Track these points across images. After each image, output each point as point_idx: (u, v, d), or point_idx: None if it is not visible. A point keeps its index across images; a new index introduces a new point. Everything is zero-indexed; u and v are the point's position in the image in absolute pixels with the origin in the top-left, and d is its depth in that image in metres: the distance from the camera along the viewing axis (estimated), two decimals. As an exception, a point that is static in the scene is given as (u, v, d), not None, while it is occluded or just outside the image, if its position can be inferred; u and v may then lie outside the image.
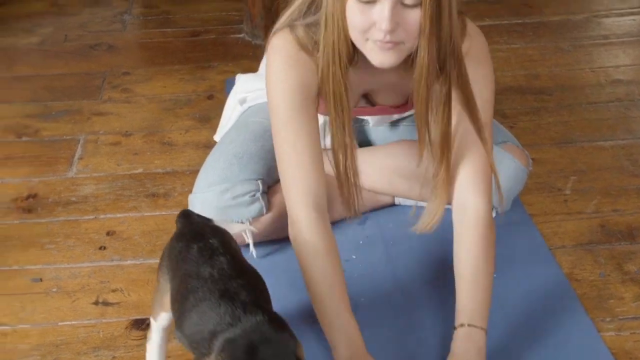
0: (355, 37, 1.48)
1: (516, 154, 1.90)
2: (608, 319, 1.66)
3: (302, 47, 1.55)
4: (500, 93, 2.49)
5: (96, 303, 1.72)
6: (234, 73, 2.56)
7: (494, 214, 1.83)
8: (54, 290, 1.76)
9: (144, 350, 1.45)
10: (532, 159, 2.15)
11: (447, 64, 1.49)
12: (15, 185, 2.10)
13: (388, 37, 1.43)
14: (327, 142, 1.71)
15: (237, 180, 1.78)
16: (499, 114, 2.38)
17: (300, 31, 1.55)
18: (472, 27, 1.64)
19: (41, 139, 2.30)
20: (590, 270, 1.79)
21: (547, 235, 1.90)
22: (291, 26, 1.56)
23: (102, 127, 2.35)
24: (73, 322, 1.67)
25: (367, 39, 1.46)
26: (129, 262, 1.83)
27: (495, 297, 1.55)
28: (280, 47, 1.57)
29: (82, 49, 2.81)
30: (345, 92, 1.52)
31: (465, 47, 1.56)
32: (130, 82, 2.59)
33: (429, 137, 1.55)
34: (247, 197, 1.77)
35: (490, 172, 1.61)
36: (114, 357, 1.58)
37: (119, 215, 1.98)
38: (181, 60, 2.72)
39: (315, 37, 1.53)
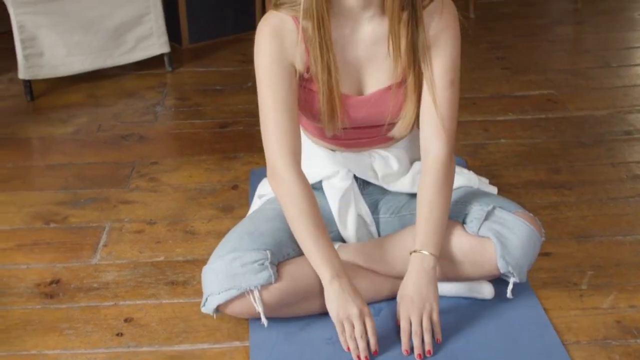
0: None
1: (529, 221, 1.92)
2: (621, 418, 1.64)
3: (284, 7, 1.81)
4: (521, 187, 2.52)
5: (110, 389, 1.74)
6: (259, 164, 2.65)
7: (509, 287, 1.93)
8: (70, 375, 1.79)
9: None
10: (549, 253, 2.18)
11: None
12: (40, 271, 2.16)
13: None
14: (347, 232, 2.00)
15: (246, 250, 1.83)
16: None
17: (285, 6, 1.82)
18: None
19: (68, 226, 2.36)
20: (605, 368, 1.78)
21: (561, 330, 1.89)
22: (276, 5, 1.83)
23: (127, 215, 2.41)
24: (85, 408, 1.70)
25: None
26: (144, 349, 1.86)
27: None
28: (265, 21, 1.84)
29: (114, 138, 2.90)
30: (327, 18, 1.77)
31: (439, 9, 1.85)
32: (158, 171, 2.67)
33: (399, 49, 1.83)
34: (255, 265, 1.81)
35: (455, 121, 1.91)
36: None
37: (138, 302, 2.02)
38: (208, 150, 2.79)
39: (295, 4, 1.79)
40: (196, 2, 3.65)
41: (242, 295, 1.82)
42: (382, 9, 1.82)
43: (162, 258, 2.20)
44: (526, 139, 2.84)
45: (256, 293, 1.81)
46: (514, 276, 1.89)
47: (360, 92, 1.92)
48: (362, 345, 1.75)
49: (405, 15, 1.80)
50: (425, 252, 1.82)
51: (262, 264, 1.82)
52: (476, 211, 1.91)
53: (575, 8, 4.19)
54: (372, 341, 1.77)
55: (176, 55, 3.64)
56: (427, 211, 1.85)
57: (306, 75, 1.85)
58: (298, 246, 1.87)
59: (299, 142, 1.87)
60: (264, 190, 2.13)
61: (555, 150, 2.76)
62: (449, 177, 1.89)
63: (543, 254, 2.15)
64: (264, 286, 1.82)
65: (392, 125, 1.94)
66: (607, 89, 3.23)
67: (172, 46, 3.64)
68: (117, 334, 1.91)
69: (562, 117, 3.00)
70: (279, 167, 1.84)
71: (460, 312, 1.94)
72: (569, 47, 3.72)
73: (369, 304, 1.87)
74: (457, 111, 1.91)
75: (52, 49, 3.18)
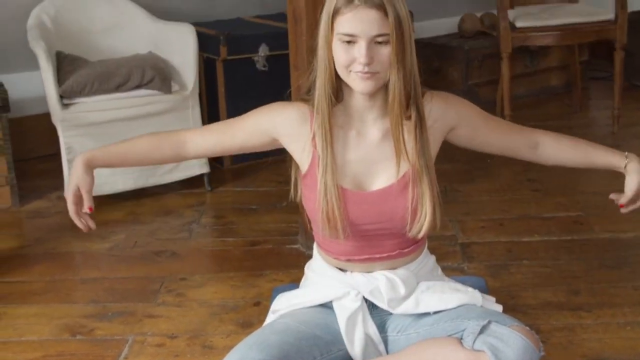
0: (341, 71, 1.83)
1: (525, 334, 1.93)
2: None
3: (298, 100, 1.95)
4: (538, 308, 2.54)
5: None
6: (283, 282, 2.72)
7: None
8: None
9: None
10: (560, 375, 2.18)
11: (412, 93, 1.86)
12: (61, 382, 2.25)
13: (366, 69, 1.80)
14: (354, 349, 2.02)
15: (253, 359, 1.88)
16: (534, 328, 2.41)
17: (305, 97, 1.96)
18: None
19: (93, 338, 2.46)
20: None
21: None
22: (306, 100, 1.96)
23: (151, 329, 2.50)
24: None
25: (350, 72, 1.82)
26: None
27: None
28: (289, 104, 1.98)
29: (148, 255, 3.02)
30: (329, 119, 1.88)
31: (444, 95, 1.94)
32: (186, 287, 2.76)
33: (405, 148, 1.89)
34: None
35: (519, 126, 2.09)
36: None
37: (149, 414, 2.09)
38: (236, 267, 2.89)
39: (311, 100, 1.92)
40: (237, 124, 3.82)
41: None
42: (386, 111, 1.92)
43: (178, 372, 2.27)
44: (549, 260, 2.86)
45: None
46: None
47: (365, 190, 1.99)
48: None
49: (411, 115, 1.90)
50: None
51: None
52: (472, 326, 1.94)
53: (611, 131, 4.24)
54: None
55: (218, 175, 3.79)
56: (582, 144, 2.14)
57: (307, 165, 1.94)
58: None
59: (203, 150, 2.00)
60: (277, 306, 2.19)
61: (577, 272, 2.77)
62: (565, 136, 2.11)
63: (552, 375, 2.16)
64: None
65: (412, 224, 1.99)
66: (636, 212, 3.23)
67: (214, 166, 3.82)
68: None
69: (587, 239, 3.02)
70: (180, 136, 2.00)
71: None
72: (602, 170, 3.75)
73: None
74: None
75: (96, 169, 3.35)
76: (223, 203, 3.51)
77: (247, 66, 3.81)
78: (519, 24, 4.04)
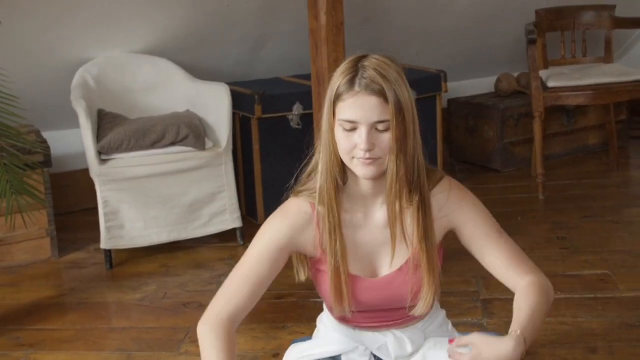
0: (344, 157, 1.84)
1: None
2: None
3: (302, 193, 1.92)
4: (553, 365, 2.55)
5: None
6: (304, 334, 2.78)
7: None
8: None
9: None
10: None
11: (415, 177, 1.87)
12: None
13: (367, 155, 1.81)
14: None
15: None
16: (547, 385, 2.43)
17: (304, 193, 1.93)
18: (455, 181, 1.99)
19: (116, 386, 2.55)
20: None
21: None
22: (296, 192, 1.95)
23: (171, 378, 2.58)
24: None
25: (352, 158, 1.83)
26: None
27: None
28: (284, 205, 1.95)
29: (176, 306, 3.11)
30: (336, 204, 1.89)
31: (448, 188, 1.94)
32: (209, 337, 2.84)
33: (404, 234, 1.90)
34: None
35: (523, 253, 2.01)
36: None
37: None
38: (260, 320, 2.96)
39: (313, 191, 1.91)
40: (271, 182, 3.92)
41: None
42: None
43: (193, 419, 2.34)
44: (570, 318, 2.87)
45: None
46: None
47: (373, 275, 2.01)
48: None
49: (415, 200, 1.90)
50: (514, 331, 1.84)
51: None
52: None
53: (647, 190, 4.25)
54: None
55: (252, 230, 3.87)
56: (523, 303, 1.91)
57: (317, 256, 2.00)
58: None
59: (242, 314, 1.92)
60: (289, 357, 2.25)
61: (597, 330, 2.77)
62: (545, 290, 1.92)
63: None
64: None
65: (412, 306, 2.04)
66: (664, 271, 3.24)
67: (248, 221, 3.92)
68: None
69: (611, 297, 3.02)
70: (212, 318, 1.91)
71: None
72: (634, 229, 3.75)
73: None
74: (521, 251, 2.01)
75: (131, 222, 3.49)
76: (254, 257, 3.59)
77: (282, 124, 3.93)
78: (550, 84, 4.09)
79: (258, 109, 3.83)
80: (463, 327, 2.78)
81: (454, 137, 4.89)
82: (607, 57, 4.48)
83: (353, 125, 1.80)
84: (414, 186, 1.89)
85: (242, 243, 3.71)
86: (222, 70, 4.25)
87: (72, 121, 3.49)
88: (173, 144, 3.50)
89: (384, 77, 1.79)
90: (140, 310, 3.10)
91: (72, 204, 4.07)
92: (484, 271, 3.26)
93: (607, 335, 2.73)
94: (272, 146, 3.93)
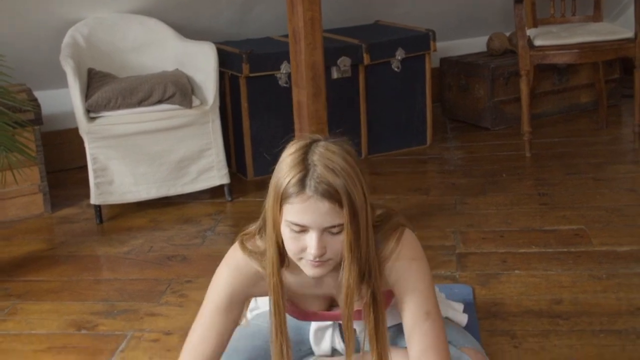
0: (292, 256, 1.77)
1: (473, 357, 2.03)
2: None
3: (251, 255, 1.86)
4: (518, 315, 2.63)
5: None
6: (281, 285, 2.87)
7: None
8: None
9: None
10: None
11: (368, 272, 1.78)
12: (59, 370, 2.44)
13: (317, 259, 1.73)
14: (322, 348, 2.11)
15: None
16: (509, 334, 2.51)
17: (251, 245, 1.87)
18: (408, 234, 1.88)
19: (96, 333, 2.65)
20: None
21: None
22: (246, 240, 1.88)
23: (149, 326, 2.68)
24: None
25: (300, 258, 1.76)
26: None
27: None
28: (232, 255, 1.90)
29: (160, 259, 3.21)
30: (281, 292, 1.82)
31: (397, 251, 1.83)
32: (190, 289, 2.94)
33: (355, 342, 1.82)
34: None
35: (441, 346, 1.82)
36: None
37: (133, 401, 2.26)
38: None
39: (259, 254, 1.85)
40: (260, 139, 4.00)
41: None
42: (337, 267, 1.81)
43: (167, 364, 2.45)
44: (540, 271, 2.94)
45: None
46: None
47: (329, 308, 2.02)
48: None
49: (367, 295, 1.81)
50: None
51: None
52: None
53: (633, 148, 4.28)
54: None
55: (241, 186, 3.97)
56: None
57: None
58: None
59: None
60: (255, 305, 2.32)
61: (565, 282, 2.85)
62: None
63: (516, 378, 2.26)
64: None
65: None
66: (637, 226, 3.30)
67: (238, 178, 4.01)
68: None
69: (583, 251, 3.08)
70: None
71: None
72: (615, 185, 3.80)
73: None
74: (442, 343, 1.85)
75: (120, 178, 3.58)
76: (241, 213, 3.68)
77: (270, 82, 3.99)
78: (537, 43, 4.13)
79: (246, 68, 3.89)
80: (437, 279, 2.88)
81: (446, 96, 4.93)
82: (596, 15, 4.49)
83: (302, 228, 1.70)
84: (364, 281, 1.80)
85: (229, 199, 3.79)
86: (213, 30, 4.30)
87: (64, 81, 3.56)
88: (160, 102, 3.57)
89: (334, 174, 1.68)
90: (125, 263, 3.21)
91: (64, 162, 4.16)
92: (463, 226, 3.38)
93: (574, 287, 2.81)
94: (261, 104, 4.00)
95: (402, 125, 4.39)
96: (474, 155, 4.34)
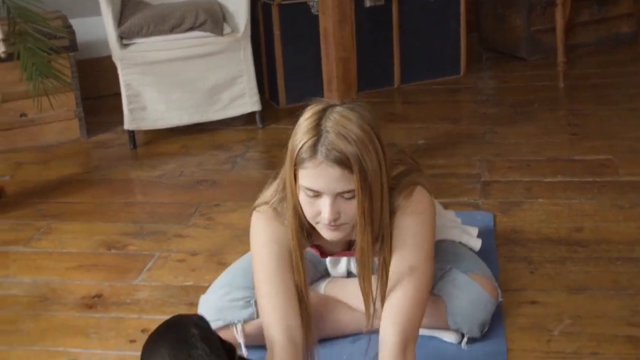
0: (309, 220, 1.83)
1: (482, 283, 2.08)
2: None
3: (279, 214, 1.90)
4: (536, 242, 2.65)
5: (108, 383, 2.07)
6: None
7: (463, 340, 2.10)
8: (81, 369, 2.14)
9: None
10: (535, 302, 2.31)
11: (380, 231, 1.83)
12: (89, 287, 2.54)
13: (332, 223, 1.78)
14: (337, 271, 2.18)
15: (236, 287, 2.11)
16: (526, 260, 2.54)
17: (277, 206, 1.91)
18: (419, 191, 1.91)
19: (125, 252, 2.75)
20: (539, 402, 1.91)
21: (515, 369, 2.04)
22: (268, 202, 1.93)
23: (176, 247, 2.76)
24: (82, 395, 2.03)
25: (317, 222, 1.82)
26: (149, 354, 2.18)
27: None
28: (262, 215, 1.93)
29: (190, 183, 3.29)
30: (301, 258, 1.86)
31: (402, 207, 1.86)
32: (217, 212, 3.02)
33: (373, 300, 1.86)
34: (242, 302, 2.08)
35: (415, 309, 1.83)
36: None
37: (157, 317, 2.34)
38: (267, 196, 3.11)
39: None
40: (292, 66, 4.03)
41: (227, 326, 2.08)
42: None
43: (190, 283, 2.53)
44: (563, 200, 2.95)
45: (239, 326, 2.09)
46: (465, 332, 2.08)
47: (349, 248, 2.04)
48: None
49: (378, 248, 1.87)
50: None
51: (248, 302, 2.09)
52: (436, 270, 2.08)
53: (671, 79, 4.22)
54: None
55: (272, 114, 4.02)
56: None
57: None
58: None
59: (296, 321, 1.85)
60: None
61: (588, 210, 2.86)
62: None
63: (529, 302, 2.30)
64: (247, 321, 2.06)
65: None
66: (665, 157, 3.28)
67: (270, 105, 4.05)
68: (131, 341, 2.24)
69: (609, 181, 3.08)
70: (275, 342, 1.83)
71: (422, 346, 2.12)
72: (646, 116, 3.77)
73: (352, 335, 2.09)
74: (420, 298, 1.85)
75: (153, 105, 3.65)
76: (271, 139, 3.74)
77: (302, 11, 4.00)
78: (574, -30, 4.06)
79: (278, -5, 3.90)
80: (459, 206, 2.92)
81: (482, 26, 4.88)
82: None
83: (316, 193, 1.75)
84: (377, 243, 1.85)
85: (260, 126, 3.85)
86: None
87: (98, 8, 3.61)
88: (191, 29, 3.61)
89: (346, 141, 1.70)
90: (156, 187, 3.29)
91: (99, 89, 4.24)
92: (490, 155, 3.39)
93: (596, 216, 2.82)
94: (293, 32, 4.01)
95: (435, 54, 4.38)
96: (508, 85, 4.32)
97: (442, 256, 2.14)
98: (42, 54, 3.24)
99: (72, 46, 3.66)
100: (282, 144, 1.93)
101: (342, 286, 2.20)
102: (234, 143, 3.70)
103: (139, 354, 2.08)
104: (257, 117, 3.85)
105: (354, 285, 2.16)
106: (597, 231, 2.71)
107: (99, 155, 3.66)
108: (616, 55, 4.68)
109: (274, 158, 3.49)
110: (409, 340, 1.80)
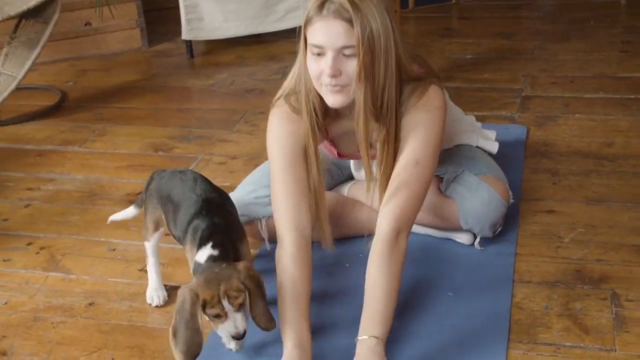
0: (315, 83, 1.90)
1: (493, 185, 2.16)
2: (526, 341, 1.87)
3: (294, 110, 1.99)
4: (565, 155, 2.70)
5: (141, 270, 2.25)
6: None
7: (476, 240, 2.20)
8: (119, 257, 2.33)
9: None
10: (553, 211, 2.38)
11: (383, 110, 1.89)
12: (134, 185, 2.73)
13: (334, 82, 1.85)
14: (360, 175, 2.26)
15: (262, 185, 2.25)
16: (551, 172, 2.60)
17: (293, 100, 2.00)
18: (434, 88, 1.97)
19: (171, 154, 2.92)
20: (538, 302, 2.00)
21: (521, 271, 2.13)
22: (285, 96, 2.02)
23: (219, 151, 2.92)
24: (117, 280, 2.22)
25: (321, 84, 1.88)
26: (180, 246, 2.35)
27: (438, 314, 1.96)
28: (277, 110, 2.03)
29: (240, 91, 3.43)
30: (315, 150, 1.96)
31: (414, 102, 1.93)
32: (262, 119, 3.13)
33: (371, 169, 1.97)
34: (266, 199, 2.21)
35: (413, 201, 1.91)
36: (130, 306, 2.10)
37: (193, 213, 2.51)
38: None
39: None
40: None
41: (251, 221, 2.24)
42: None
43: (228, 184, 2.68)
44: (601, 115, 2.97)
45: (263, 222, 2.23)
46: (476, 232, 2.18)
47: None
48: None
49: (382, 134, 1.93)
50: (365, 337, 1.77)
51: None
52: (450, 172, 2.18)
53: None
54: None
55: (329, 27, 4.09)
56: (369, 295, 1.83)
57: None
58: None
59: (308, 220, 1.94)
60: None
61: (622, 127, 2.88)
62: (393, 257, 1.85)
63: (546, 211, 2.38)
64: (270, 217, 2.17)
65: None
66: None
67: (327, 19, 4.12)
68: (167, 234, 2.41)
69: (651, 98, 3.09)
70: (285, 239, 1.92)
71: (437, 248, 2.24)
72: None
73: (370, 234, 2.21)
74: (420, 192, 1.92)
75: (211, 15, 3.77)
76: (324, 52, 3.82)
77: None
78: None
79: None
80: (495, 119, 2.98)
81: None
82: None
83: (320, 50, 1.81)
84: (381, 118, 1.90)
85: (315, 39, 3.93)
86: None
87: None
88: (247, -59, 3.70)
89: (354, 4, 1.77)
90: (208, 95, 3.45)
91: (162, 1, 4.38)
92: (535, 71, 3.41)
93: (629, 132, 2.84)
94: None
95: (496, -31, 4.35)
96: (568, 2, 4.27)
97: (457, 160, 2.23)
98: (103, -35, 3.40)
99: (133, -43, 3.81)
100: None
101: (364, 188, 2.31)
102: (287, 54, 3.80)
103: (172, 246, 2.27)
104: (312, 29, 3.92)
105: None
106: (627, 146, 2.74)
107: (158, 63, 3.82)
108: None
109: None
110: (402, 229, 1.88)
